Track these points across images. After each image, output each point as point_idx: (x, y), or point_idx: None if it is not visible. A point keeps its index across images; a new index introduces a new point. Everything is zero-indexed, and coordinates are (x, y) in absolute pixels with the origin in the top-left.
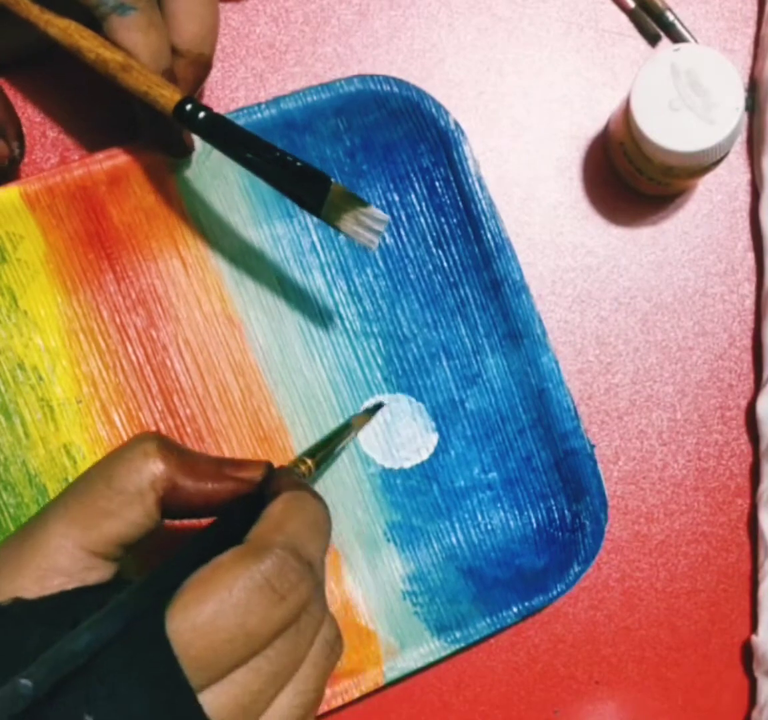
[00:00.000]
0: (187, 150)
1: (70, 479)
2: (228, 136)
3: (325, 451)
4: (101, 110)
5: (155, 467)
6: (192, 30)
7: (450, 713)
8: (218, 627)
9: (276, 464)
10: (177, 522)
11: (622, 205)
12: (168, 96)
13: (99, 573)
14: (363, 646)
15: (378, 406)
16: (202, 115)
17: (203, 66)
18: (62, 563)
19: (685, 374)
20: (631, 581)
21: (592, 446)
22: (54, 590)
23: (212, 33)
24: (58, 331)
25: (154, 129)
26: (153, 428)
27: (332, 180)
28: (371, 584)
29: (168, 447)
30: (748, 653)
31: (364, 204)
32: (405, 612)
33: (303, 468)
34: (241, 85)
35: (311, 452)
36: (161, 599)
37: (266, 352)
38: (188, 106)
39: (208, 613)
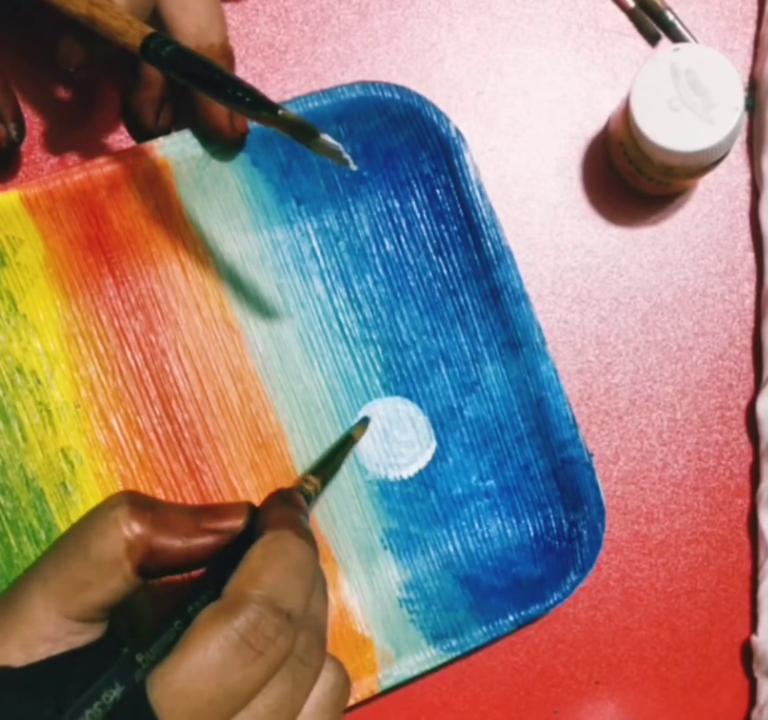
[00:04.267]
0: (240, 135)
1: (67, 483)
2: (192, 70)
3: (329, 467)
4: (103, 114)
5: (130, 533)
6: (191, 24)
7: (450, 713)
8: (197, 689)
9: (274, 471)
10: None
11: (622, 205)
12: (136, 32)
13: (86, 636)
14: (359, 654)
15: (367, 418)
16: (167, 49)
17: (220, 57)
18: (47, 631)
19: (685, 374)
20: (631, 581)
21: (591, 455)
22: (41, 657)
23: (214, 22)
24: (57, 335)
25: (207, 116)
26: (151, 433)
27: (280, 111)
28: (367, 591)
29: (140, 508)
30: (748, 653)
31: (315, 133)
32: (401, 620)
33: (309, 487)
34: None
35: (315, 470)
36: (146, 668)
37: (265, 358)
38: (153, 42)
39: (185, 676)
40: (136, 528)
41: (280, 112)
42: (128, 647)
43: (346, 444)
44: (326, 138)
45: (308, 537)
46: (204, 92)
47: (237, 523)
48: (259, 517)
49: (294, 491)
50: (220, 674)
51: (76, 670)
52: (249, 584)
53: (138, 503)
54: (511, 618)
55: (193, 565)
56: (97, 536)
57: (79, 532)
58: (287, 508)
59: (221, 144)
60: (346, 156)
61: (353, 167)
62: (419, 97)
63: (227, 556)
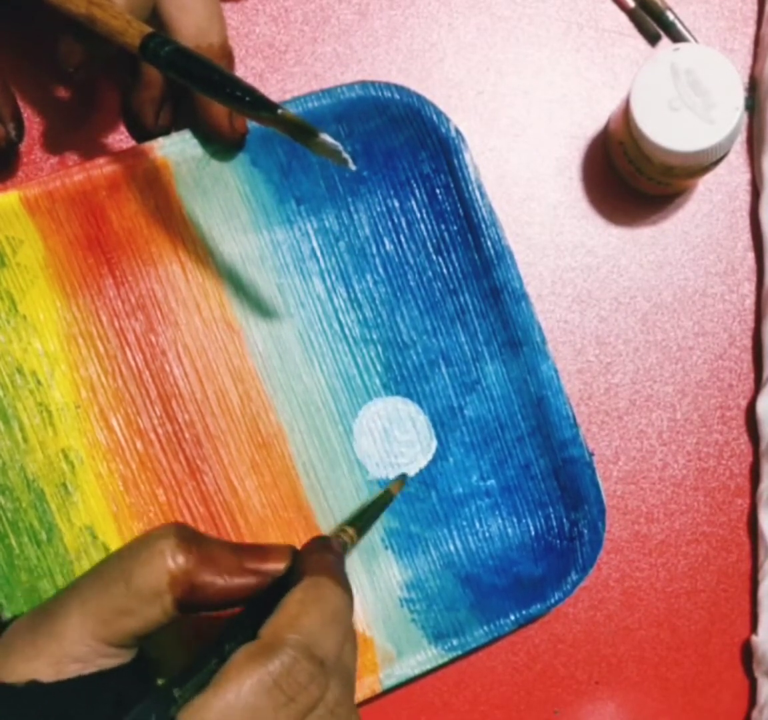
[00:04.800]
0: (240, 136)
1: (68, 484)
2: (191, 70)
3: (365, 519)
4: (103, 114)
5: (174, 567)
6: (191, 24)
7: (450, 713)
8: None
9: (274, 471)
10: None
11: (622, 205)
12: (135, 32)
13: (117, 659)
14: (360, 654)
15: (404, 475)
16: (167, 49)
17: (220, 57)
18: (79, 652)
19: (685, 374)
20: (631, 581)
21: (591, 455)
22: (70, 675)
23: (213, 21)
24: (57, 336)
25: (206, 116)
26: (151, 433)
27: (279, 110)
28: (369, 591)
29: (187, 541)
30: (748, 653)
31: (314, 133)
32: (402, 619)
33: (346, 537)
34: None
35: (352, 521)
36: (181, 703)
37: (265, 358)
38: (153, 42)
39: (216, 715)
40: (182, 562)
41: (279, 111)
42: (165, 681)
43: (382, 498)
44: (325, 138)
45: (346, 586)
46: (203, 92)
47: (280, 566)
48: (299, 561)
49: (333, 539)
50: (250, 716)
51: (104, 693)
52: (286, 628)
53: (185, 537)
54: (512, 617)
55: (231, 604)
56: (141, 566)
57: (123, 559)
58: (326, 555)
59: (221, 144)
60: (346, 156)
61: (352, 167)
62: (419, 97)
63: (265, 597)
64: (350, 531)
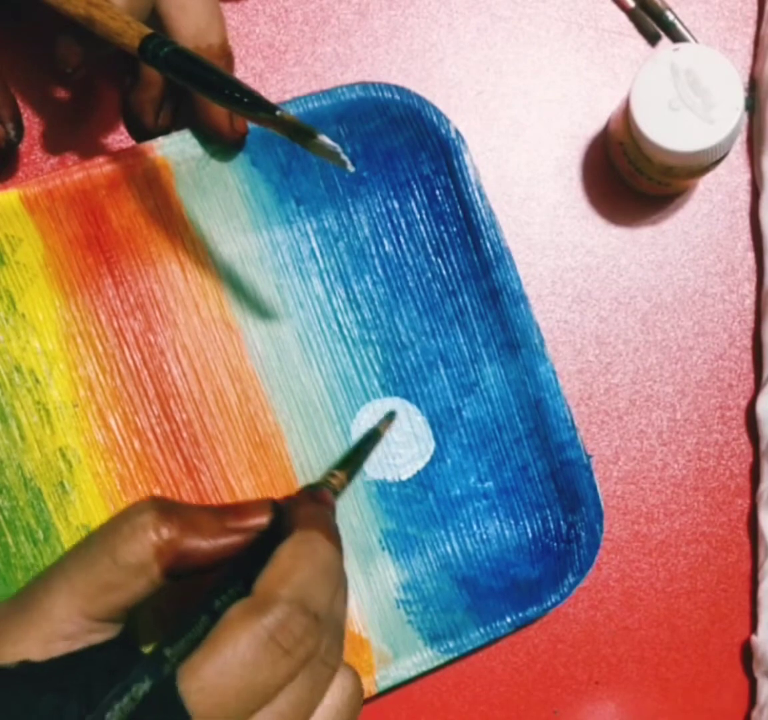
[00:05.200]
0: (240, 136)
1: (65, 483)
2: (190, 71)
3: (354, 461)
4: (102, 114)
5: (158, 538)
6: (190, 25)
7: (450, 713)
8: (225, 685)
9: (272, 471)
10: None
11: (622, 205)
12: (134, 33)
13: (105, 634)
14: (356, 655)
15: (393, 413)
16: (165, 50)
17: (219, 58)
18: (68, 630)
19: (685, 374)
20: (631, 581)
21: (589, 457)
22: (60, 653)
23: (213, 22)
24: (56, 335)
25: (206, 116)
26: (149, 433)
27: (277, 112)
28: (365, 592)
29: (166, 512)
30: (748, 653)
31: (313, 134)
32: (398, 620)
33: (335, 482)
34: None
35: (341, 464)
36: (175, 662)
37: (264, 358)
38: (151, 43)
39: (215, 671)
40: (165, 532)
41: (277, 113)
42: (158, 642)
43: (371, 439)
44: (324, 139)
45: (336, 537)
46: (202, 93)
47: (262, 520)
48: (288, 513)
49: (322, 487)
50: (249, 670)
51: (96, 666)
52: (279, 583)
53: (164, 508)
54: (508, 619)
55: (219, 565)
56: (125, 541)
57: (106, 535)
58: (316, 506)
59: (221, 144)
60: (344, 157)
61: (351, 169)
62: (419, 98)
63: (253, 550)
64: (340, 475)
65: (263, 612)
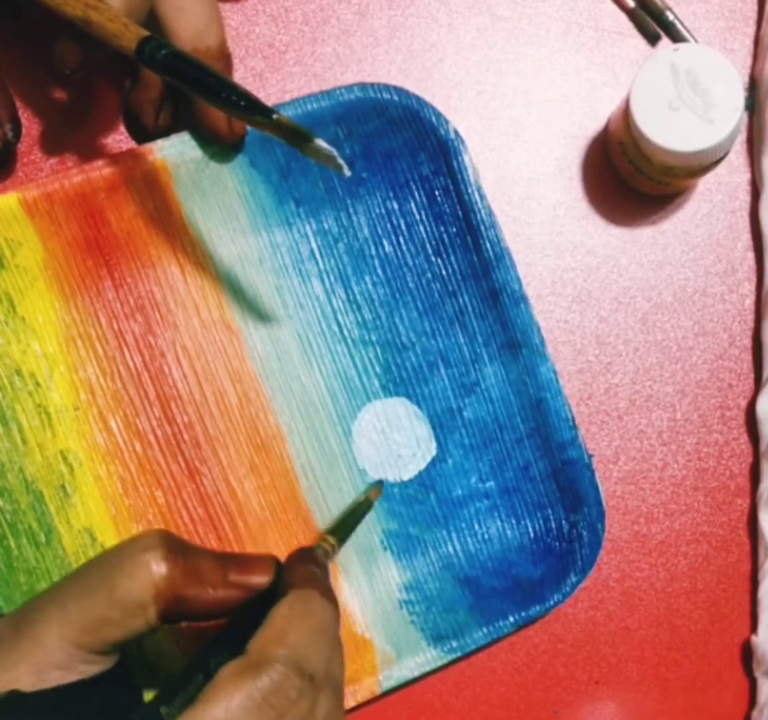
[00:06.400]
0: (239, 137)
1: (67, 486)
2: (187, 74)
3: (345, 528)
4: (102, 115)
5: (160, 579)
6: (188, 26)
7: (450, 713)
8: None
9: (273, 473)
10: None
11: (622, 205)
12: (131, 35)
13: (98, 666)
14: (359, 655)
15: (381, 481)
16: (163, 52)
17: (217, 59)
18: (59, 659)
19: (685, 374)
20: (631, 581)
21: (590, 456)
22: (52, 683)
23: (211, 24)
24: (56, 338)
25: (205, 118)
26: (150, 435)
27: (274, 115)
28: (368, 593)
29: (174, 553)
30: (748, 653)
31: (309, 138)
32: (401, 621)
33: (327, 546)
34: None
35: (332, 530)
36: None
37: (264, 359)
38: (149, 45)
39: None
40: (167, 575)
41: (274, 116)
42: (152, 698)
43: (361, 506)
44: (320, 143)
45: (331, 597)
46: (199, 96)
47: (264, 579)
48: (283, 573)
49: (315, 550)
50: None
51: (89, 700)
52: (273, 643)
53: (171, 548)
54: (511, 619)
55: (215, 616)
56: (126, 577)
57: (106, 568)
58: (311, 567)
59: (220, 146)
60: (340, 161)
61: (347, 173)
62: (418, 99)
63: (250, 609)
64: (331, 540)
65: (257, 673)
